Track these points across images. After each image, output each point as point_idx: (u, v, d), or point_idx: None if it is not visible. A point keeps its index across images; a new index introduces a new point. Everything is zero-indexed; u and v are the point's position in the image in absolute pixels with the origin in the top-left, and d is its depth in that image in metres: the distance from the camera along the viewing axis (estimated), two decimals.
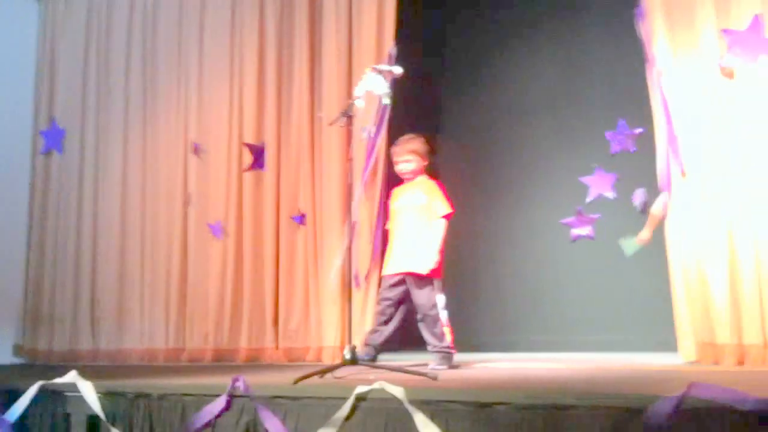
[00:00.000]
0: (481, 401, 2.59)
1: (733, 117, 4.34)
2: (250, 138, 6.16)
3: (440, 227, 4.45)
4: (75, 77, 7.10)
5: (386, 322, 4.54)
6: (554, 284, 6.26)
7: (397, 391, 2.72)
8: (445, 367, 4.21)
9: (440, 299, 4.38)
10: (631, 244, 4.88)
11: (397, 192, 4.76)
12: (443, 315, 4.37)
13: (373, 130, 5.32)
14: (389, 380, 2.84)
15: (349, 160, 4.08)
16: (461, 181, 6.02)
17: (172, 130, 6.55)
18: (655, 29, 4.62)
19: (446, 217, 4.48)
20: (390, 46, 5.47)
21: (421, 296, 4.39)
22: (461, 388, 2.79)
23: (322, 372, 3.48)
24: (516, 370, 4.12)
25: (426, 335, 4.38)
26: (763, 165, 4.22)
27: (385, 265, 4.70)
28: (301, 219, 5.85)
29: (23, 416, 3.46)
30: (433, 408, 2.65)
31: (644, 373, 3.74)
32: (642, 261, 4.98)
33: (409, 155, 4.64)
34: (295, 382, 3.15)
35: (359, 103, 4.05)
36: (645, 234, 4.83)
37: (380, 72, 4.12)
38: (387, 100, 4.29)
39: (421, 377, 3.36)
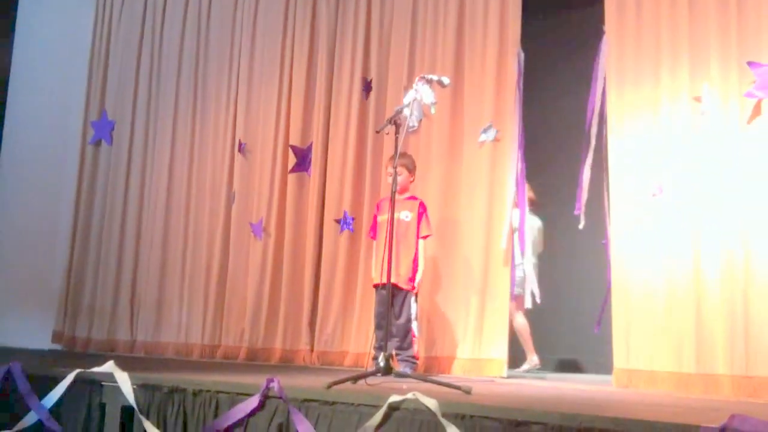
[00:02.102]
0: (515, 419, 2.55)
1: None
2: (296, 140, 6.19)
3: (423, 247, 4.83)
4: (127, 71, 7.22)
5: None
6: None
7: (431, 403, 2.69)
8: (409, 371, 4.50)
9: (414, 311, 4.75)
10: None
11: (385, 206, 4.75)
12: (414, 326, 4.76)
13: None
14: (422, 391, 2.81)
15: (394, 167, 4.05)
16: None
17: (219, 128, 6.62)
18: (610, 67, 4.89)
19: (426, 237, 4.86)
20: (517, 49, 5.36)
21: (400, 306, 4.71)
22: (495, 404, 2.75)
23: (355, 378, 3.46)
24: (552, 389, 4.07)
25: (396, 341, 4.70)
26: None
27: (374, 276, 4.78)
28: (344, 222, 5.85)
29: (59, 403, 3.50)
30: (467, 423, 2.62)
31: (686, 401, 3.65)
32: None
33: (401, 167, 4.68)
34: (329, 387, 3.14)
35: (406, 111, 4.03)
36: None
37: (428, 82, 4.09)
38: (434, 110, 4.27)
39: (455, 390, 3.33)
